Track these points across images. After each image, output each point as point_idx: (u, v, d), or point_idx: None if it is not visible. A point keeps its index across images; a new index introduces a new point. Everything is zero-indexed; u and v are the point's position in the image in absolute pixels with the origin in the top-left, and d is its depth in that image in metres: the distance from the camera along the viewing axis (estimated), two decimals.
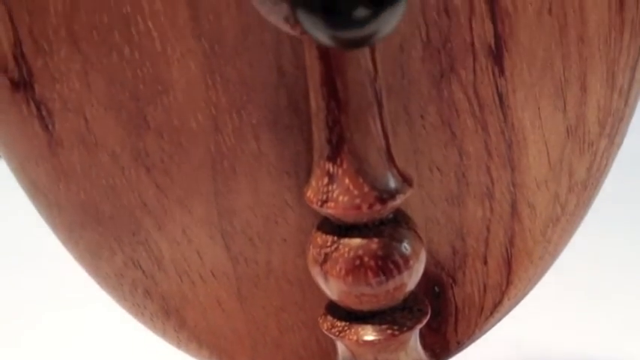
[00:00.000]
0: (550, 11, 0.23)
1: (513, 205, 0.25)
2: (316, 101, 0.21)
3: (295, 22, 0.19)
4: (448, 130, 0.24)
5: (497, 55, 0.23)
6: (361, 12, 0.17)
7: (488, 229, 0.26)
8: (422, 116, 0.24)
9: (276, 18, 0.20)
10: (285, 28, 0.20)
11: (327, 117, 0.21)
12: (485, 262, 0.26)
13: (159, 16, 0.22)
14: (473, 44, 0.23)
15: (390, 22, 0.17)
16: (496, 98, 0.24)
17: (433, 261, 0.26)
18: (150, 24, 0.22)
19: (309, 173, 0.23)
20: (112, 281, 0.25)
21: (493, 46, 0.23)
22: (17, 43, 0.22)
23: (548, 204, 0.26)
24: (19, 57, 0.22)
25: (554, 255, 0.27)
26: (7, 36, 0.21)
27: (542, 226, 0.26)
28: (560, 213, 0.26)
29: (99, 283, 0.25)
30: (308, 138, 0.24)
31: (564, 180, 0.25)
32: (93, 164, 0.23)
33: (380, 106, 0.21)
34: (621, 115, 0.25)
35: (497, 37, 0.23)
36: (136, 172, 0.24)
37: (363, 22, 0.17)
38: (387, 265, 0.22)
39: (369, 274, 0.22)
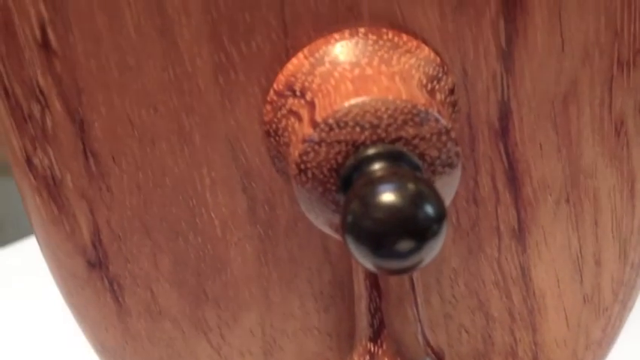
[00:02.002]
0: (568, 201, 0.28)
1: None
2: (359, 290, 0.26)
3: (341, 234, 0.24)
4: (475, 298, 0.29)
5: (520, 236, 0.28)
6: (405, 245, 0.22)
7: None
8: (452, 287, 0.29)
9: (323, 226, 0.24)
10: (331, 233, 0.25)
11: (369, 304, 0.26)
12: None
13: (220, 208, 0.27)
14: (498, 227, 0.28)
15: (432, 252, 0.22)
16: (519, 271, 0.29)
17: None
18: (212, 214, 0.27)
19: (349, 335, 0.28)
20: None
21: (517, 229, 0.28)
22: (96, 231, 0.27)
23: None
24: (97, 243, 0.27)
25: None
26: (88, 226, 0.26)
27: None
28: None
29: None
30: (349, 306, 0.28)
31: (581, 339, 0.30)
32: (156, 330, 0.28)
33: (416, 294, 0.26)
34: (633, 284, 0.29)
35: (520, 221, 0.28)
36: (194, 336, 0.28)
37: (407, 255, 0.22)
38: None
39: None
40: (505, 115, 0.26)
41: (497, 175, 0.27)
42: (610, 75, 0.26)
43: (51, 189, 0.26)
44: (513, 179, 0.27)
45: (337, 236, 0.25)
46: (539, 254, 0.29)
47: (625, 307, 0.30)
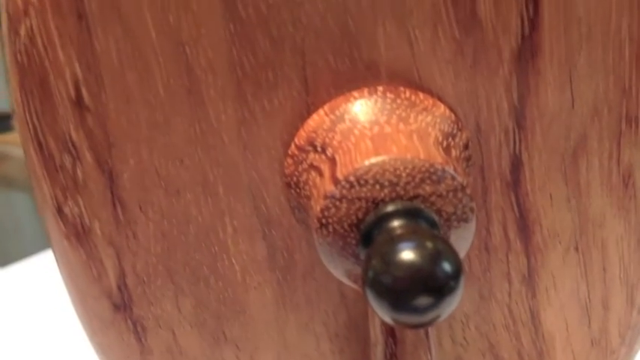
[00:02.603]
0: (577, 249, 0.29)
1: None
2: (375, 336, 0.28)
3: (361, 287, 0.26)
4: (486, 340, 0.31)
5: (530, 282, 0.30)
6: (424, 301, 0.23)
7: None
8: (463, 330, 0.30)
9: (342, 276, 0.26)
10: (350, 283, 0.26)
11: (385, 350, 0.27)
12: None
13: (241, 254, 0.28)
14: (509, 273, 0.29)
15: (450, 307, 0.24)
16: (528, 315, 0.30)
17: None
18: (233, 260, 0.28)
19: None
20: None
21: (527, 275, 0.29)
22: (122, 275, 0.28)
23: None
24: (123, 286, 0.28)
25: None
26: (114, 271, 0.28)
27: None
28: None
29: None
30: (364, 347, 0.30)
31: None
32: None
33: (430, 342, 0.27)
34: (639, 328, 0.31)
35: (530, 268, 0.29)
36: None
37: (425, 311, 0.23)
38: None
39: None
40: (517, 168, 0.28)
41: (508, 224, 0.29)
42: (618, 130, 0.28)
43: (80, 235, 0.28)
44: (524, 228, 0.29)
45: (354, 286, 0.26)
46: (548, 299, 0.30)
47: (632, 349, 0.32)
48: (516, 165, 0.28)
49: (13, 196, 1.33)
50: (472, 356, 0.31)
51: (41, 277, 0.69)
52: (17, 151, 1.31)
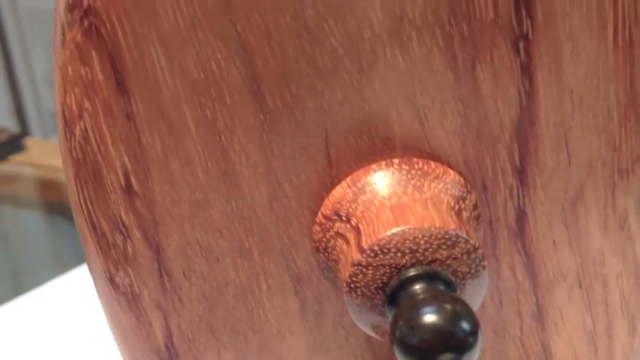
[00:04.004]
0: (580, 286, 0.34)
1: None
2: None
3: (389, 341, 0.30)
4: None
5: (539, 317, 0.34)
6: (446, 357, 0.28)
7: None
8: None
9: (369, 331, 0.30)
10: (377, 337, 0.31)
11: None
12: None
13: (276, 309, 0.33)
14: (520, 311, 0.34)
15: None
16: (540, 347, 0.35)
17: None
18: (269, 315, 0.33)
19: None
20: None
21: (536, 311, 0.34)
22: (169, 335, 0.33)
23: None
24: (169, 344, 0.33)
25: None
26: (162, 331, 0.33)
27: None
28: None
29: None
30: None
31: None
32: None
33: None
34: None
35: (539, 305, 0.34)
36: None
37: None
38: None
39: None
40: (521, 219, 0.32)
41: (517, 267, 0.33)
42: (612, 181, 0.32)
43: (130, 302, 0.32)
44: (531, 270, 0.33)
45: (382, 339, 0.31)
46: (557, 332, 0.35)
47: None
48: (521, 217, 0.32)
49: (23, 214, 1.37)
50: None
51: (56, 305, 0.73)
52: (27, 171, 1.35)
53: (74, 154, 0.30)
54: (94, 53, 0.28)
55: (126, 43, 0.28)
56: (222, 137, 0.30)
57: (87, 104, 0.29)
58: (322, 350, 0.34)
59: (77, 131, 0.29)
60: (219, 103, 0.29)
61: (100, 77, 0.28)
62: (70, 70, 0.28)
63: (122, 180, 0.30)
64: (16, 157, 1.43)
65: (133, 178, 0.30)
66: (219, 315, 0.33)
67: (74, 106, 0.29)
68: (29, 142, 1.50)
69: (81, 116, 0.29)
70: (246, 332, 0.33)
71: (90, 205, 0.30)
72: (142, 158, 0.30)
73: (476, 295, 0.30)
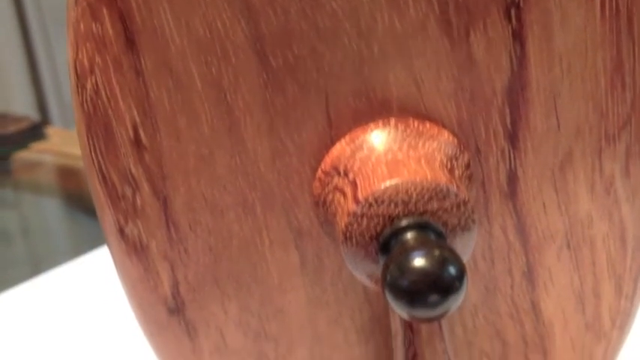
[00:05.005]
0: (569, 247, 0.35)
1: None
2: (395, 328, 0.33)
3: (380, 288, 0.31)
4: (493, 327, 0.36)
5: (529, 277, 0.35)
6: (433, 299, 0.29)
7: None
8: (472, 319, 0.36)
9: (364, 279, 0.32)
10: (371, 285, 0.32)
11: (404, 339, 0.33)
12: None
13: (277, 262, 0.34)
14: (511, 270, 0.35)
15: (456, 303, 0.29)
16: (530, 305, 0.36)
17: None
18: (271, 268, 0.34)
19: None
20: None
21: (526, 271, 0.35)
22: (175, 285, 0.34)
23: None
24: (176, 294, 0.34)
25: None
26: (169, 281, 0.34)
27: None
28: None
29: None
30: (386, 338, 0.36)
31: None
32: None
33: (442, 331, 0.33)
34: (628, 313, 0.37)
35: (529, 265, 0.35)
36: None
37: (434, 305, 0.29)
38: None
39: None
40: (513, 181, 0.33)
41: (508, 228, 0.34)
42: (599, 147, 0.33)
43: (139, 253, 0.33)
44: (522, 231, 0.35)
45: (375, 287, 0.32)
46: (546, 291, 0.36)
47: (623, 332, 0.37)
48: (512, 179, 0.33)
49: (43, 202, 1.39)
50: (482, 342, 0.37)
51: (73, 285, 0.74)
52: (48, 159, 1.37)
53: (85, 107, 0.31)
54: (104, 10, 0.30)
55: (135, 1, 0.29)
56: (227, 95, 0.31)
57: (98, 59, 0.30)
58: (321, 304, 0.36)
59: (88, 85, 0.31)
60: (225, 61, 0.31)
61: (111, 33, 0.30)
62: (81, 26, 0.30)
63: (131, 133, 0.31)
64: (37, 145, 1.45)
65: (141, 132, 0.31)
66: (224, 267, 0.34)
67: (86, 61, 0.30)
68: (50, 130, 1.52)
69: (92, 71, 0.30)
70: (249, 285, 0.35)
71: (101, 158, 0.32)
72: (150, 113, 0.31)
73: (465, 247, 0.31)
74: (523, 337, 0.37)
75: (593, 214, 0.35)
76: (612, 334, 0.37)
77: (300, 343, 0.36)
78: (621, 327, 0.37)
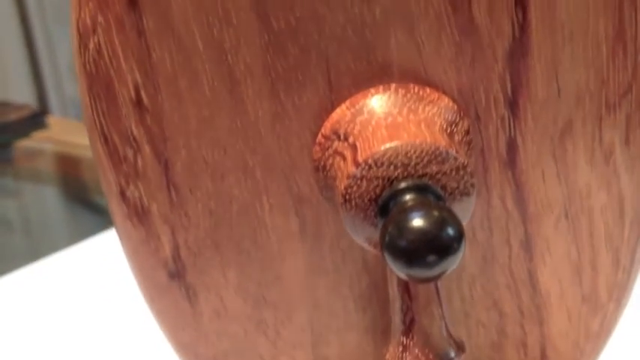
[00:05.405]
0: (567, 217, 0.35)
1: (542, 351, 0.38)
2: (393, 293, 0.33)
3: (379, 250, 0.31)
4: (490, 298, 0.36)
5: (527, 247, 0.35)
6: (431, 259, 0.29)
7: None
8: (470, 289, 0.36)
9: (363, 243, 0.32)
10: (370, 248, 0.32)
11: (402, 305, 0.33)
12: None
13: (277, 228, 0.34)
14: (509, 240, 0.35)
15: (454, 264, 0.29)
16: (527, 276, 0.36)
17: None
18: (270, 234, 0.34)
19: (384, 331, 0.36)
20: None
21: (524, 241, 0.35)
22: (176, 248, 0.34)
23: (570, 349, 0.38)
24: (177, 258, 0.34)
25: None
26: (169, 245, 0.34)
27: None
28: (579, 356, 0.38)
29: None
30: (383, 306, 0.36)
31: (582, 332, 0.37)
32: (224, 328, 0.36)
33: (440, 297, 0.33)
34: (625, 285, 0.37)
35: (527, 235, 0.35)
36: (255, 333, 0.36)
37: (432, 265, 0.29)
38: None
39: None
40: (512, 149, 0.34)
41: (506, 197, 0.35)
42: (599, 115, 0.33)
43: (140, 216, 0.34)
44: (520, 200, 0.35)
45: (374, 251, 0.32)
46: (544, 261, 0.36)
47: (619, 304, 0.37)
48: (512, 147, 0.34)
49: (44, 190, 1.39)
50: (478, 312, 0.37)
51: (71, 271, 0.74)
52: (49, 148, 1.37)
53: (88, 67, 0.31)
54: None
55: None
56: (229, 57, 0.31)
57: (100, 19, 0.30)
58: (320, 271, 0.36)
59: (91, 45, 0.31)
60: (226, 22, 0.31)
61: None
62: None
63: (133, 94, 0.31)
64: (39, 134, 1.45)
65: (143, 93, 0.31)
66: (224, 232, 0.34)
67: (88, 21, 0.30)
68: (51, 119, 1.52)
69: (95, 30, 0.30)
70: (249, 250, 0.35)
71: (102, 119, 0.32)
72: (152, 73, 0.31)
73: (464, 212, 0.31)
74: (520, 308, 0.37)
75: (591, 184, 0.35)
76: (609, 307, 0.37)
77: (299, 309, 0.36)
78: (618, 299, 0.37)
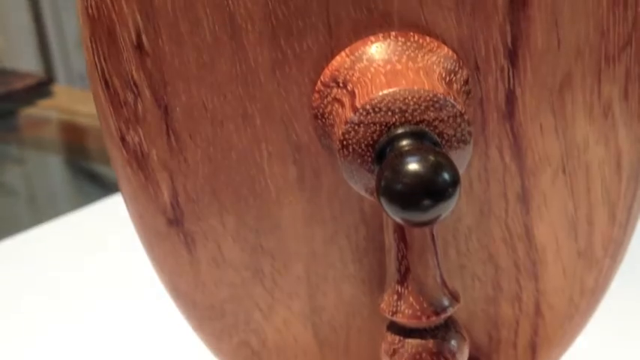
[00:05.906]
0: (564, 171, 0.35)
1: (537, 306, 0.38)
2: (389, 242, 0.34)
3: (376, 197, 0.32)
4: (486, 251, 0.37)
5: (524, 200, 0.36)
6: (427, 203, 0.29)
7: (517, 323, 0.38)
8: (466, 242, 0.36)
9: (361, 190, 0.32)
10: (367, 196, 0.32)
11: (397, 253, 0.34)
12: (515, 347, 0.38)
13: (275, 176, 0.34)
14: (505, 193, 0.35)
15: (449, 208, 0.29)
16: (523, 230, 0.36)
17: (474, 346, 0.38)
18: (269, 181, 0.34)
19: (380, 282, 0.36)
20: (229, 357, 0.38)
21: (521, 194, 0.35)
22: (175, 195, 0.34)
23: (564, 305, 0.38)
24: (175, 204, 0.34)
25: (570, 342, 0.39)
26: (168, 191, 0.34)
27: (559, 321, 0.38)
28: (574, 312, 0.38)
29: (219, 357, 0.38)
30: (380, 257, 0.36)
31: (577, 288, 0.38)
32: (221, 276, 0.36)
33: (435, 246, 0.33)
34: (621, 241, 0.37)
35: (524, 188, 0.35)
36: (252, 281, 0.36)
37: (427, 209, 0.29)
38: (439, 359, 0.34)
39: None
40: (511, 101, 0.34)
41: (504, 149, 0.35)
42: (598, 68, 0.33)
43: (139, 161, 0.34)
44: (518, 153, 0.35)
45: (372, 198, 0.32)
46: (540, 215, 0.36)
47: (614, 261, 0.38)
48: (511, 99, 0.34)
49: (48, 160, 1.39)
50: (474, 265, 0.37)
51: (74, 236, 0.75)
52: (55, 116, 1.37)
53: (90, 11, 0.31)
54: None
55: None
56: (230, 1, 0.31)
57: None
58: (318, 221, 0.36)
59: None
60: None
61: None
62: None
63: (134, 37, 0.31)
64: (44, 102, 1.45)
65: (144, 37, 0.31)
66: (223, 178, 0.34)
67: None
68: (56, 88, 1.52)
69: None
70: (247, 197, 0.35)
71: (104, 63, 0.32)
72: (153, 17, 0.31)
73: (460, 161, 0.31)
74: (515, 262, 0.37)
75: (589, 138, 0.35)
76: (604, 263, 0.37)
77: (296, 259, 0.36)
78: (613, 256, 0.38)
